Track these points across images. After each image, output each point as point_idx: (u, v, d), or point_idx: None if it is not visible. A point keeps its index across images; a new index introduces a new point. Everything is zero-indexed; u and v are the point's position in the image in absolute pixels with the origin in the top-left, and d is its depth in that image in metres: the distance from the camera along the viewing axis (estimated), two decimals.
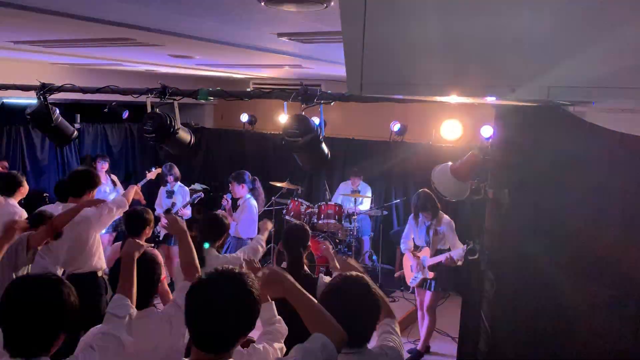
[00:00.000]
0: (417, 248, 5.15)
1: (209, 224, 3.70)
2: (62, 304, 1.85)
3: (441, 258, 4.86)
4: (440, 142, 7.11)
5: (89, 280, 4.03)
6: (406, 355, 5.33)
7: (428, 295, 5.06)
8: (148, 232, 3.91)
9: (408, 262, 5.21)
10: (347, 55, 1.55)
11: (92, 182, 4.18)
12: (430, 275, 4.94)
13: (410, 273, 5.16)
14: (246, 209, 5.69)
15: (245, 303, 1.74)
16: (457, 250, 4.79)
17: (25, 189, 4.84)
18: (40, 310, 1.80)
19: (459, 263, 4.83)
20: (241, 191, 5.71)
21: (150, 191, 7.74)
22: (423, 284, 5.05)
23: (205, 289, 1.76)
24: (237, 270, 1.81)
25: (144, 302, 2.46)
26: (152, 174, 7.03)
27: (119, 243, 3.95)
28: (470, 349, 2.96)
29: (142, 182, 6.70)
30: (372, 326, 2.04)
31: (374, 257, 7.06)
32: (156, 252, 3.91)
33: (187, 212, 6.66)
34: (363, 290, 2.03)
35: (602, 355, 2.54)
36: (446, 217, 5.03)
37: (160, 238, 6.54)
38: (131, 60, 5.53)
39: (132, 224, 3.90)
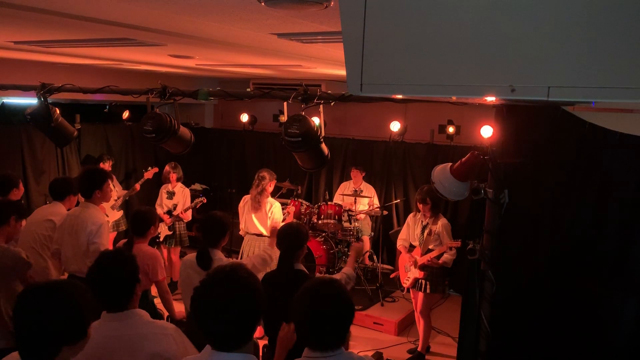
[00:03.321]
0: (412, 248, 5.15)
1: (208, 224, 3.68)
2: (78, 307, 1.81)
3: (425, 259, 4.89)
4: (440, 142, 7.11)
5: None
6: (406, 355, 5.34)
7: (421, 297, 5.06)
8: (153, 232, 3.92)
9: (403, 261, 5.21)
10: (347, 55, 1.55)
11: (98, 181, 4.16)
12: (420, 274, 4.93)
13: (405, 273, 5.16)
14: None
15: (245, 297, 1.81)
16: (441, 249, 4.83)
17: (19, 190, 4.83)
18: (55, 316, 1.76)
19: (446, 265, 4.85)
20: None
21: (151, 191, 7.75)
22: (415, 284, 5.05)
23: (206, 289, 1.83)
24: (232, 267, 1.88)
25: (120, 304, 2.31)
26: (149, 174, 7.04)
27: (121, 242, 3.95)
28: (470, 349, 2.96)
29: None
30: (346, 329, 2.04)
31: (374, 257, 7.05)
32: (157, 251, 3.93)
33: (189, 215, 6.66)
34: (336, 293, 2.05)
35: (603, 354, 2.54)
36: (443, 219, 5.03)
37: (160, 239, 6.54)
38: (131, 60, 5.53)
39: (137, 224, 3.90)
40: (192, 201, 6.67)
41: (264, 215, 5.48)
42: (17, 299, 1.80)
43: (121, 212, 6.95)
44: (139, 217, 3.92)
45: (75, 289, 1.88)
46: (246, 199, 5.67)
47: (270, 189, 5.53)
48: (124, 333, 2.27)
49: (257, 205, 5.49)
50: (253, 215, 5.53)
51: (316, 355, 2.00)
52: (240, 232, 5.86)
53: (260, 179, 5.47)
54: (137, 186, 6.92)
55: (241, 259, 5.65)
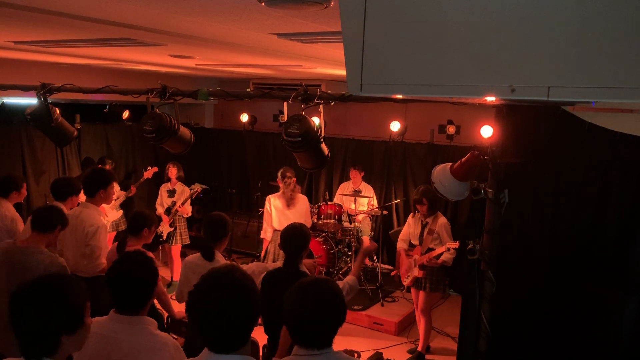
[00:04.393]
0: (412, 247, 5.15)
1: (209, 224, 3.68)
2: (71, 300, 1.82)
3: (424, 258, 4.89)
4: (440, 142, 7.11)
5: (89, 281, 4.03)
6: (406, 355, 5.34)
7: (421, 295, 5.06)
8: (147, 234, 3.89)
9: (404, 261, 5.21)
10: (347, 55, 1.55)
11: (104, 181, 4.17)
12: (420, 274, 4.94)
13: (405, 272, 5.16)
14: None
15: (240, 299, 1.80)
16: (440, 250, 4.83)
17: (21, 193, 4.82)
18: (51, 309, 1.78)
19: (446, 264, 4.85)
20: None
21: (151, 191, 7.75)
22: (416, 283, 5.05)
23: (202, 292, 1.83)
24: (227, 269, 1.88)
25: (133, 307, 2.29)
26: (148, 173, 7.04)
27: (114, 244, 3.95)
28: (470, 349, 2.96)
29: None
30: (334, 329, 2.04)
31: (374, 257, 7.05)
32: (150, 254, 3.92)
33: (188, 209, 6.67)
34: (326, 292, 2.05)
35: (603, 354, 2.54)
36: (443, 218, 5.04)
37: (164, 238, 6.55)
38: (131, 60, 5.53)
39: (133, 223, 3.90)
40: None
41: (301, 210, 5.80)
42: (10, 298, 1.80)
43: (120, 212, 6.95)
44: (136, 217, 3.92)
45: (65, 280, 1.90)
46: (271, 199, 5.87)
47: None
48: (125, 338, 2.24)
49: (292, 202, 5.77)
50: (288, 213, 5.73)
51: (302, 352, 2.00)
52: (264, 235, 5.94)
53: (288, 178, 5.75)
54: (133, 188, 6.91)
55: (264, 259, 5.78)
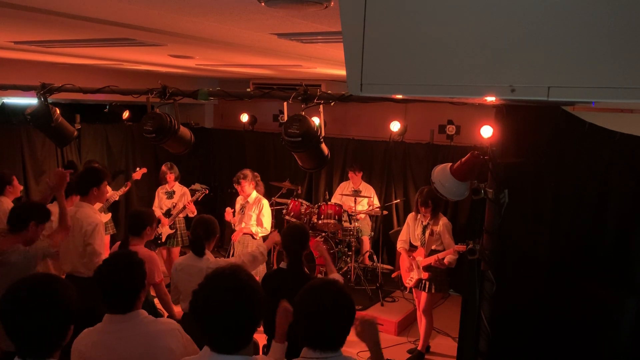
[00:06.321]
0: (413, 248, 5.14)
1: (200, 224, 3.71)
2: (61, 301, 1.84)
3: (431, 259, 4.88)
4: (440, 142, 7.12)
5: (88, 281, 4.03)
6: (406, 355, 5.34)
7: (425, 296, 5.05)
8: (149, 232, 3.90)
9: (405, 262, 5.20)
10: (347, 55, 1.55)
11: (97, 179, 4.17)
12: (425, 275, 4.93)
13: (407, 273, 5.16)
14: (264, 206, 5.85)
15: (245, 299, 1.81)
16: (447, 252, 4.82)
17: (14, 187, 4.84)
18: (40, 309, 1.79)
19: (450, 265, 4.84)
20: (252, 189, 5.84)
21: (151, 192, 7.73)
22: (419, 284, 5.05)
23: (207, 292, 1.83)
24: (232, 270, 1.88)
25: (127, 306, 2.33)
26: (137, 174, 7.00)
27: (117, 244, 3.94)
28: (470, 349, 2.96)
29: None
30: (346, 331, 2.05)
31: (374, 257, 7.05)
32: (153, 253, 3.93)
33: (194, 208, 6.67)
34: (339, 294, 2.06)
35: (603, 354, 2.54)
36: (444, 218, 5.03)
37: (162, 240, 6.54)
38: (131, 60, 5.53)
39: (133, 223, 3.90)
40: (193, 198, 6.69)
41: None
42: (6, 302, 1.81)
43: (109, 216, 6.85)
44: (136, 217, 3.92)
45: (51, 276, 1.98)
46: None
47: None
48: (136, 332, 2.29)
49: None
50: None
51: (315, 355, 2.00)
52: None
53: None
54: (116, 194, 6.73)
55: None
